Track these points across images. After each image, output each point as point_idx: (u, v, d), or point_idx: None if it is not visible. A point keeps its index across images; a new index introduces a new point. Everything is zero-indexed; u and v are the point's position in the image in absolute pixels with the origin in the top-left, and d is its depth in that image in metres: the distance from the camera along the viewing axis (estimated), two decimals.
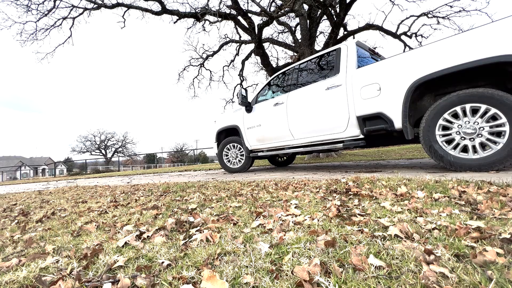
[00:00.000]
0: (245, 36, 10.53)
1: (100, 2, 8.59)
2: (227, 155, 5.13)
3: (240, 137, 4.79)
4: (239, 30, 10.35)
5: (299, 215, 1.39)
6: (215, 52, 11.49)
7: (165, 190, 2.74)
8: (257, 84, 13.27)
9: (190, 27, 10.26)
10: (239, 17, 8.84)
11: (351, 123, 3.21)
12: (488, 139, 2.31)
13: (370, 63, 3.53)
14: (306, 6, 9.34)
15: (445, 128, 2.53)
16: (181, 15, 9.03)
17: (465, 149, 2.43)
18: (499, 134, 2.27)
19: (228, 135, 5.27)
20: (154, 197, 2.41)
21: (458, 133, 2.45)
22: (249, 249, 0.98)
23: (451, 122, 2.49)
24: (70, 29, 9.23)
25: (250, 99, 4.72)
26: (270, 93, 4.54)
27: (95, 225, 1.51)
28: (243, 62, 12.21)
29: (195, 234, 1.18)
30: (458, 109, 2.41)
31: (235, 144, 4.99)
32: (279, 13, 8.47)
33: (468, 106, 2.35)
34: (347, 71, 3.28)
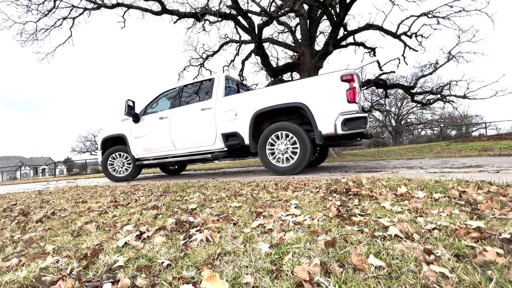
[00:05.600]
0: (245, 36, 10.53)
1: (100, 2, 8.58)
2: (112, 164, 5.14)
3: (126, 146, 4.95)
4: (239, 30, 10.35)
5: (299, 215, 1.38)
6: (215, 52, 11.48)
7: (165, 190, 2.74)
8: (257, 84, 13.26)
9: (190, 27, 10.25)
10: (239, 17, 8.84)
11: (218, 138, 4.08)
12: (291, 155, 3.57)
13: (243, 91, 4.73)
14: (306, 6, 9.33)
15: (271, 145, 3.70)
16: (181, 15, 9.03)
17: (280, 160, 3.66)
18: (295, 153, 3.52)
19: (115, 144, 5.28)
20: (154, 197, 2.41)
21: (277, 149, 3.67)
22: (249, 249, 0.98)
23: (274, 142, 3.69)
24: (70, 29, 9.23)
25: (139, 110, 4.98)
26: (157, 107, 4.90)
27: (95, 225, 1.51)
28: (243, 62, 12.21)
29: (195, 234, 1.18)
30: (278, 133, 3.62)
31: (121, 153, 5.09)
32: (279, 13, 8.46)
33: (282, 133, 3.59)
34: (217, 98, 4.14)
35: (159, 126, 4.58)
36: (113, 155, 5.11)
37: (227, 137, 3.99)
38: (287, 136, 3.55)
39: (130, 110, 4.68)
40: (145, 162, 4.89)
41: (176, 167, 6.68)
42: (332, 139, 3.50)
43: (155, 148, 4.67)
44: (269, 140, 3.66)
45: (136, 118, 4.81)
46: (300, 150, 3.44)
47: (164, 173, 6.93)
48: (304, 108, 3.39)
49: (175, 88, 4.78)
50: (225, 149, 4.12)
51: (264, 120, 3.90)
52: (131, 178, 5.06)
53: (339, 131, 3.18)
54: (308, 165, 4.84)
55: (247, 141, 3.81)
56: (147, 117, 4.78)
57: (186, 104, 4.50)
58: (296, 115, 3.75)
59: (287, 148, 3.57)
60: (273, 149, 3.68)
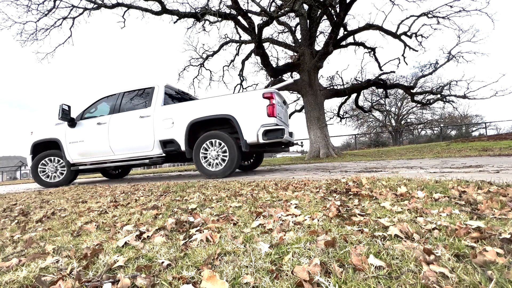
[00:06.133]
0: (245, 36, 10.53)
1: (100, 2, 8.58)
2: (44, 170, 4.97)
3: (61, 150, 4.85)
4: (239, 30, 10.34)
5: (299, 215, 1.38)
6: (215, 52, 11.47)
7: (165, 190, 2.74)
8: (257, 84, 13.27)
9: (190, 27, 10.24)
10: (239, 17, 8.83)
11: (156, 145, 4.30)
12: (221, 160, 3.97)
13: (184, 99, 5.00)
14: (306, 6, 9.33)
15: (205, 151, 4.03)
16: (181, 15, 9.02)
17: (212, 165, 4.02)
18: (225, 158, 3.93)
19: (47, 148, 5.13)
20: (154, 197, 2.41)
21: (210, 155, 4.03)
22: (249, 249, 0.98)
23: (208, 148, 4.02)
24: (70, 29, 9.22)
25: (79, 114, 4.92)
26: (96, 112, 4.89)
27: (95, 225, 1.51)
28: (243, 62, 12.21)
29: (195, 234, 1.18)
30: (212, 141, 4.00)
31: (55, 158, 4.96)
32: (279, 13, 8.46)
33: (215, 141, 3.99)
34: (155, 106, 4.36)
35: (97, 132, 4.59)
36: (44, 160, 4.94)
37: (164, 143, 4.27)
38: (219, 143, 3.98)
39: (65, 115, 4.61)
40: (81, 167, 4.86)
41: (119, 171, 6.66)
42: (257, 147, 4.02)
43: (92, 153, 4.68)
44: (203, 146, 4.04)
45: (72, 123, 4.75)
46: (229, 156, 3.88)
47: (105, 177, 6.82)
48: (232, 119, 3.87)
49: (115, 94, 4.82)
50: (163, 154, 4.36)
51: (200, 129, 4.26)
52: (66, 183, 4.95)
53: (261, 140, 3.73)
54: (245, 169, 5.61)
55: (183, 148, 4.12)
56: (85, 122, 4.75)
57: (125, 111, 4.58)
58: (228, 125, 4.14)
59: (218, 154, 3.98)
60: (206, 155, 4.05)
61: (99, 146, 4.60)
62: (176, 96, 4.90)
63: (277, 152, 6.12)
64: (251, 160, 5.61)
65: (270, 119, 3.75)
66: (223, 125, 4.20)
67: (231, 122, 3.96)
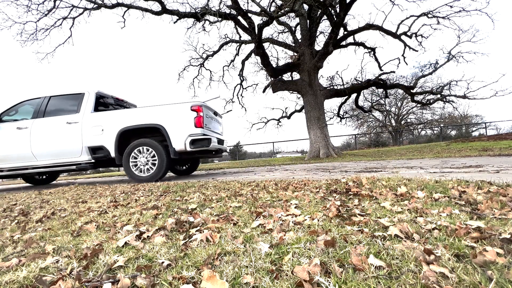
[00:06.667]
0: (245, 36, 10.52)
1: (100, 2, 8.57)
2: None
3: None
4: (239, 30, 10.34)
5: (299, 215, 1.38)
6: (215, 52, 11.47)
7: (165, 190, 2.74)
8: (257, 84, 13.27)
9: (190, 27, 10.24)
10: (239, 17, 8.83)
11: (84, 151, 4.34)
12: (151, 166, 4.21)
13: (118, 106, 5.08)
14: (306, 6, 9.33)
15: (134, 157, 4.26)
16: (181, 15, 9.02)
17: (142, 171, 4.24)
18: (154, 164, 4.19)
19: None
20: (154, 197, 2.41)
21: (139, 161, 4.24)
22: (249, 249, 0.98)
23: (137, 155, 4.26)
24: (70, 29, 9.21)
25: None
26: (16, 115, 4.68)
27: (95, 225, 1.51)
28: (243, 62, 12.21)
29: (195, 234, 1.18)
30: (140, 148, 4.23)
31: None
32: (279, 13, 8.46)
33: (144, 148, 4.22)
34: (85, 113, 4.37)
35: (17, 136, 4.42)
36: None
37: (93, 150, 4.35)
38: (148, 150, 4.22)
39: None
40: None
41: (44, 177, 6.35)
42: (186, 154, 4.25)
43: (10, 158, 4.48)
44: (133, 153, 4.23)
45: None
46: (158, 162, 4.15)
47: (28, 184, 6.41)
48: (161, 128, 4.12)
49: (39, 97, 4.65)
50: (92, 161, 4.41)
51: (131, 136, 4.41)
52: None
53: (188, 148, 4.03)
54: (181, 174, 5.88)
55: (113, 154, 4.27)
56: (2, 125, 4.54)
57: (51, 115, 4.46)
58: (158, 134, 4.33)
59: (147, 161, 4.22)
60: (136, 161, 4.25)
61: (19, 151, 4.42)
62: (108, 103, 4.90)
63: (209, 158, 6.47)
64: (187, 165, 5.90)
65: (197, 129, 4.09)
66: (154, 134, 4.37)
67: (161, 131, 4.18)
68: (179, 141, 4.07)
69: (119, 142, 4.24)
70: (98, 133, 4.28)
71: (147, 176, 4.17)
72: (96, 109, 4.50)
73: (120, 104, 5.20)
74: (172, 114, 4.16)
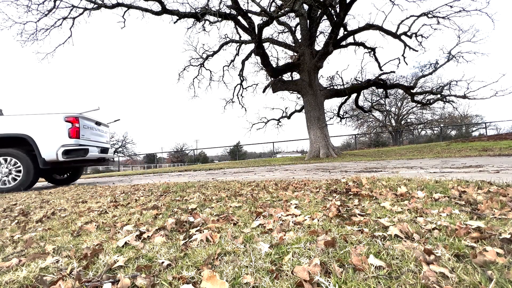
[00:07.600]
0: (245, 36, 10.53)
1: (100, 2, 8.58)
2: None
3: None
4: (239, 30, 10.34)
5: (299, 215, 1.38)
6: (215, 52, 11.47)
7: (165, 190, 2.74)
8: (257, 84, 13.27)
9: (190, 27, 10.24)
10: (239, 17, 8.83)
11: None
12: (16, 176, 4.20)
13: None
14: (306, 6, 9.33)
15: None
16: (181, 15, 9.02)
17: (4, 182, 4.19)
18: (19, 175, 4.18)
19: None
20: (154, 197, 2.41)
21: (1, 172, 4.17)
22: (249, 249, 0.98)
23: None
24: (70, 29, 9.22)
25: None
26: None
27: (95, 225, 1.51)
28: (243, 62, 12.21)
29: (195, 234, 1.18)
30: (4, 158, 4.17)
31: None
32: (279, 13, 8.46)
33: (6, 158, 4.16)
34: None
35: None
36: None
37: None
38: (10, 160, 4.17)
39: None
40: None
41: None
42: (60, 164, 4.26)
43: None
44: None
45: None
46: (23, 172, 4.16)
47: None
48: (28, 139, 4.07)
49: None
50: None
51: None
52: None
53: (60, 159, 4.07)
54: (60, 183, 5.79)
55: None
56: None
57: None
58: (26, 143, 4.24)
59: (10, 171, 4.19)
60: None
61: None
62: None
63: (92, 166, 6.43)
64: (68, 174, 5.85)
65: (72, 140, 4.14)
66: (21, 144, 4.29)
67: (28, 141, 4.13)
68: (50, 152, 4.08)
69: None
70: None
71: (12, 186, 4.13)
72: None
73: None
74: (42, 125, 4.13)
